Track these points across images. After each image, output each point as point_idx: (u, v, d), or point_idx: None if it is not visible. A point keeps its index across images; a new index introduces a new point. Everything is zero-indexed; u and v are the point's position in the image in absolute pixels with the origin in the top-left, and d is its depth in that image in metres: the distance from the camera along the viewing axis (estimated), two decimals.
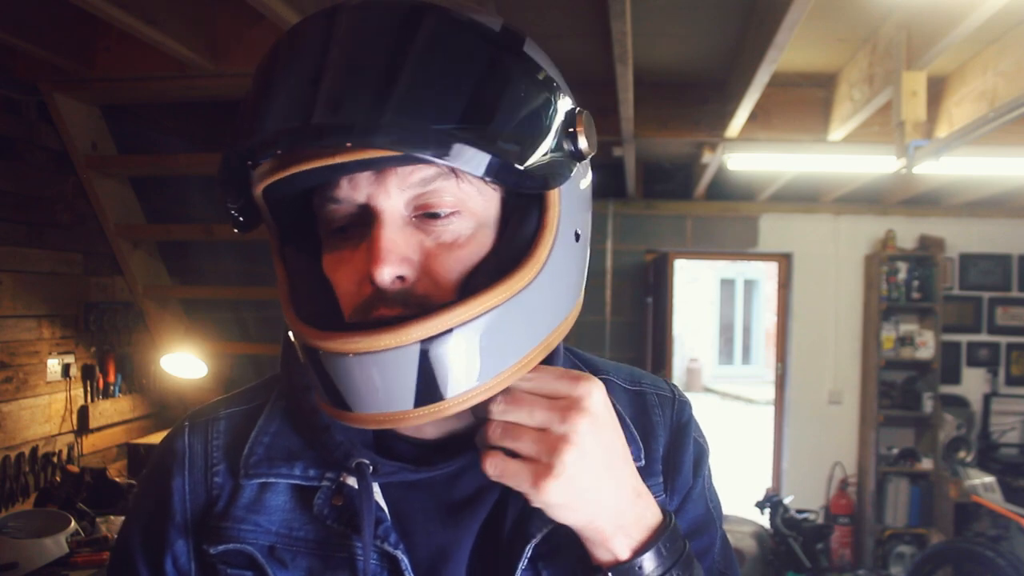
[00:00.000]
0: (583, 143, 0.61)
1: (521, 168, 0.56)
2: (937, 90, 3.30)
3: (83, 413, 2.98)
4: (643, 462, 0.71)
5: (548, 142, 0.58)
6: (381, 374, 0.55)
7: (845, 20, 2.91)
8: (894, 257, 5.37)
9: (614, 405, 0.69)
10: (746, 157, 3.90)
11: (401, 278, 0.57)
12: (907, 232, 5.50)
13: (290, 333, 0.64)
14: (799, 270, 5.66)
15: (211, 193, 3.74)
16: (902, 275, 5.34)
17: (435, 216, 0.59)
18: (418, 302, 0.57)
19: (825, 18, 2.81)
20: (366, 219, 0.59)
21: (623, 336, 5.68)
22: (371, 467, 0.63)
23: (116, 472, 3.10)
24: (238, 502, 0.66)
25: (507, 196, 0.62)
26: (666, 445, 0.75)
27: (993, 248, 5.55)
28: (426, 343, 0.54)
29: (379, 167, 0.57)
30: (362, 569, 0.62)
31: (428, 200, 0.59)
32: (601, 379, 0.72)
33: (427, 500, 0.66)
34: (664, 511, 0.64)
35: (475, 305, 0.55)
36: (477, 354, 0.56)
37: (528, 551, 0.64)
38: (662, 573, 0.61)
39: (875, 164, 3.87)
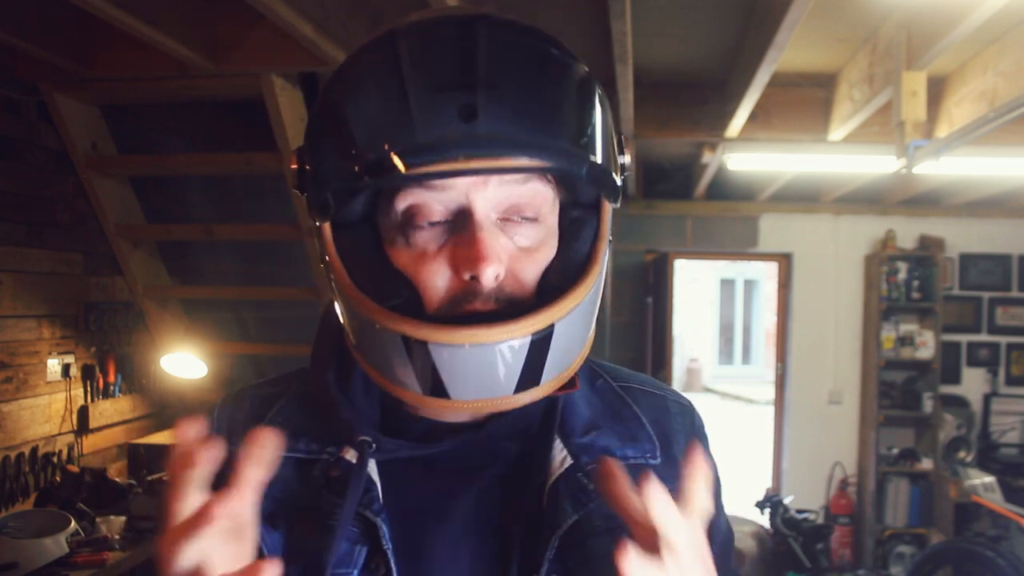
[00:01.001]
0: (628, 160, 0.70)
1: (617, 181, 0.65)
2: (937, 90, 3.30)
3: (83, 413, 2.98)
4: (659, 460, 0.73)
5: (616, 156, 0.67)
6: (493, 363, 0.60)
7: (845, 20, 2.91)
8: (894, 257, 5.37)
9: (631, 406, 0.76)
10: (746, 157, 3.90)
11: (497, 276, 0.62)
12: (907, 232, 5.50)
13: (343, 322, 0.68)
14: (799, 270, 5.66)
15: (211, 193, 3.75)
16: (902, 275, 5.35)
17: (518, 220, 0.64)
18: (507, 299, 0.63)
19: (825, 18, 2.81)
20: (458, 218, 0.63)
21: (623, 336, 5.68)
22: (373, 445, 0.67)
23: (116, 472, 3.11)
24: None
25: (563, 209, 0.69)
26: (685, 453, 0.76)
27: (993, 248, 5.55)
28: (536, 335, 0.61)
29: (492, 173, 0.62)
30: (337, 535, 0.64)
31: (517, 203, 0.64)
32: (619, 386, 0.79)
33: (425, 474, 0.70)
34: None
35: (568, 303, 0.63)
36: (563, 344, 0.64)
37: (555, 541, 0.65)
38: None
39: (875, 164, 3.87)
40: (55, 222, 2.90)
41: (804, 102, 3.72)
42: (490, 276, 0.61)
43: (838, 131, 3.55)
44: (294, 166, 0.67)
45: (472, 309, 0.62)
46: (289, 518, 0.68)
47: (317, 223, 0.66)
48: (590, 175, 0.62)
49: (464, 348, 0.59)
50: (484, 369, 0.60)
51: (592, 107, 0.64)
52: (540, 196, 0.65)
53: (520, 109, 0.59)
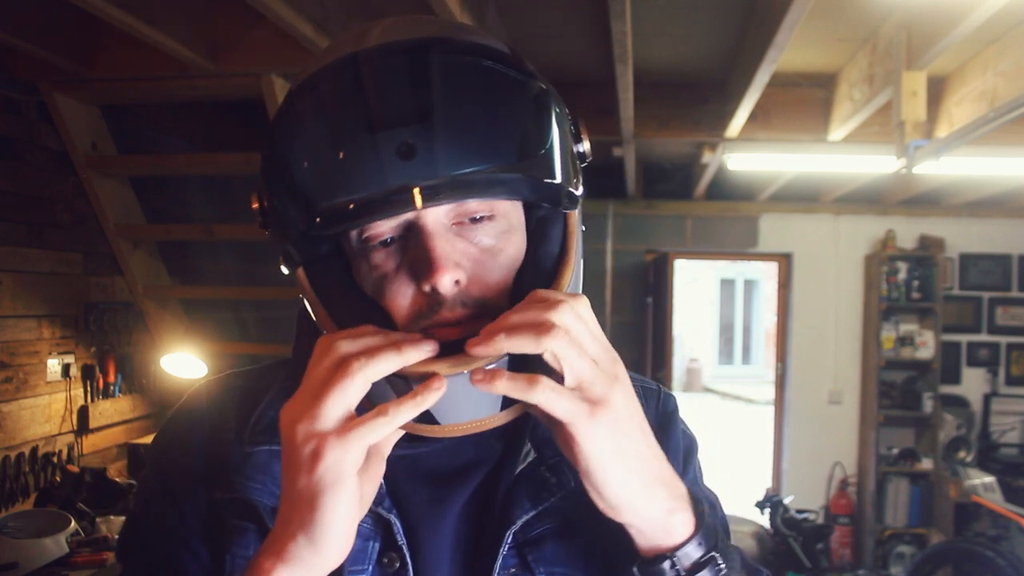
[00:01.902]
0: (586, 147, 0.68)
1: (575, 193, 0.64)
2: (937, 90, 3.30)
3: (83, 413, 2.98)
4: None
5: (572, 157, 0.65)
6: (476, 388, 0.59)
7: (845, 20, 2.91)
8: (894, 257, 5.37)
9: None
10: (746, 157, 3.90)
11: (457, 282, 0.60)
12: (907, 232, 5.50)
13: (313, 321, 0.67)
14: (799, 270, 5.66)
15: (211, 193, 3.75)
16: (902, 275, 5.35)
17: (472, 221, 0.62)
18: (475, 303, 0.61)
19: (825, 18, 2.81)
20: (410, 232, 0.61)
21: (623, 336, 5.68)
22: None
23: (116, 472, 3.11)
24: (250, 462, 0.70)
25: (529, 208, 0.67)
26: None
27: (993, 248, 5.55)
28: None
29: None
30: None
31: (470, 207, 0.62)
32: None
33: (416, 477, 0.69)
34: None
35: None
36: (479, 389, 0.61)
37: (508, 537, 0.66)
38: (704, 555, 0.61)
39: (875, 164, 3.87)
40: (55, 222, 2.90)
41: (804, 102, 3.72)
42: (447, 284, 0.59)
43: (838, 131, 3.55)
44: (255, 205, 0.66)
45: (441, 319, 0.60)
46: None
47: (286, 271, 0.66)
48: (538, 195, 0.61)
49: (448, 379, 0.57)
50: (467, 394, 0.58)
51: (537, 112, 0.62)
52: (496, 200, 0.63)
53: (457, 140, 0.57)
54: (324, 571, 0.55)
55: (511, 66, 0.63)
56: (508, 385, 0.55)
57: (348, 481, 0.53)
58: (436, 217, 0.60)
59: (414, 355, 0.55)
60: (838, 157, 3.80)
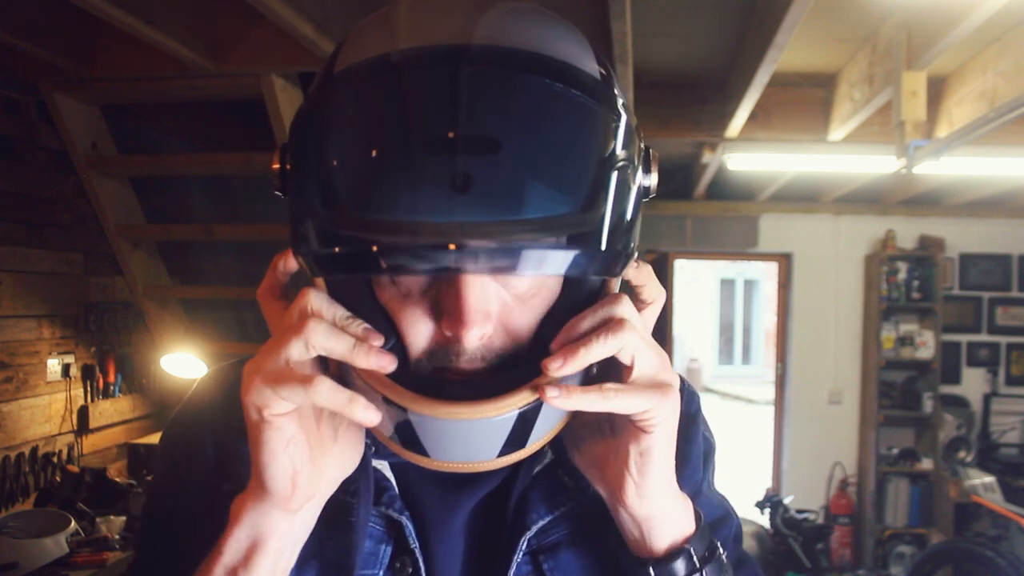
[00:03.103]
0: (654, 181, 0.61)
1: (631, 259, 0.59)
2: (937, 90, 3.30)
3: (83, 413, 2.98)
4: None
5: (638, 209, 0.59)
6: (476, 434, 0.56)
7: (845, 20, 2.90)
8: (894, 257, 5.37)
9: None
10: (746, 157, 3.89)
11: (483, 336, 0.56)
12: (907, 232, 5.50)
13: None
14: (799, 270, 5.65)
15: (211, 193, 3.75)
16: (902, 275, 5.35)
17: None
18: (494, 356, 0.57)
19: (825, 18, 2.81)
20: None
21: None
22: (372, 447, 0.65)
23: (116, 472, 3.10)
24: None
25: None
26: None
27: (993, 248, 5.55)
28: (523, 408, 0.56)
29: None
30: (359, 534, 0.64)
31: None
32: None
33: (428, 480, 0.68)
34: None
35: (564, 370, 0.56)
36: (554, 411, 0.58)
37: (523, 543, 0.64)
38: (709, 545, 0.63)
39: (875, 164, 3.87)
40: (55, 222, 2.89)
41: (804, 102, 3.72)
42: (473, 339, 0.55)
43: (838, 131, 3.55)
44: (276, 166, 0.58)
45: (454, 368, 0.56)
46: None
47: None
48: (598, 270, 0.54)
49: (445, 421, 0.55)
50: (466, 438, 0.57)
51: (618, 166, 0.54)
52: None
53: (522, 184, 0.49)
54: (281, 514, 0.57)
55: (603, 100, 0.54)
56: (583, 399, 0.54)
57: (275, 425, 0.54)
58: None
59: (363, 360, 0.54)
60: (838, 157, 3.80)
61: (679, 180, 5.59)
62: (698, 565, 0.61)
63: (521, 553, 0.64)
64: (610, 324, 0.55)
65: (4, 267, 2.64)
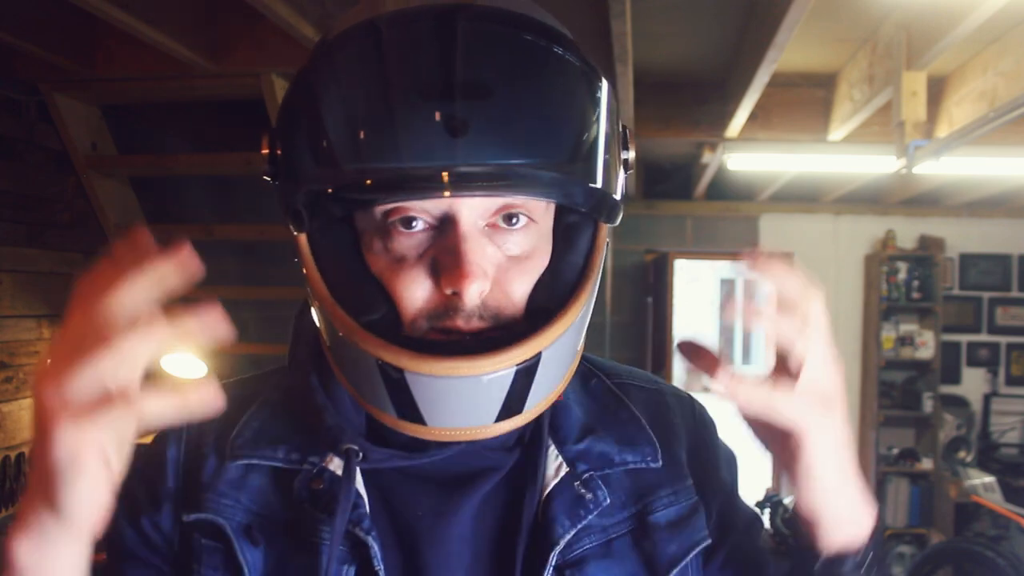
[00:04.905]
0: (632, 156, 0.63)
1: (617, 200, 0.60)
2: (937, 90, 3.29)
3: None
4: (660, 463, 0.70)
5: (619, 164, 0.62)
6: (473, 394, 0.56)
7: (845, 20, 2.90)
8: (894, 257, 5.37)
9: (628, 406, 0.71)
10: (746, 157, 3.90)
11: (481, 292, 0.57)
12: (907, 232, 5.49)
13: (324, 329, 0.62)
14: (799, 270, 5.65)
15: (211, 193, 3.75)
16: (902, 275, 5.34)
17: (509, 223, 0.58)
18: (491, 315, 0.57)
19: (825, 18, 2.81)
20: (441, 224, 0.57)
21: (623, 336, 5.68)
22: (360, 454, 0.63)
23: None
24: (223, 477, 0.66)
25: (558, 213, 0.63)
26: (688, 447, 0.74)
27: (993, 248, 5.55)
28: (520, 364, 0.55)
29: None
30: (327, 553, 0.60)
31: (507, 204, 0.58)
32: (615, 383, 0.73)
33: (417, 486, 0.65)
34: None
35: (558, 328, 0.57)
36: (551, 368, 0.58)
37: (553, 559, 0.62)
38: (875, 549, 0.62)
39: (875, 164, 3.87)
40: (55, 222, 2.89)
41: (804, 102, 3.72)
42: (473, 294, 0.55)
43: (838, 131, 3.54)
44: (265, 151, 0.60)
45: (453, 326, 0.56)
46: (268, 534, 0.63)
47: (293, 231, 0.61)
48: (590, 204, 0.58)
49: (439, 378, 0.54)
50: (463, 400, 0.56)
51: (594, 111, 0.57)
52: (533, 200, 0.58)
53: (512, 126, 0.52)
54: (76, 542, 0.49)
55: (578, 57, 0.58)
56: (749, 392, 0.54)
57: (88, 467, 0.45)
58: (472, 215, 0.56)
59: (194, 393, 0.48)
60: (838, 157, 3.80)
61: (679, 180, 5.59)
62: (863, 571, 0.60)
63: (550, 569, 0.62)
64: (800, 321, 0.55)
65: (4, 267, 2.64)
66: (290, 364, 0.71)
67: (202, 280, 0.46)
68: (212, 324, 0.49)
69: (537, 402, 0.59)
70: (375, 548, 0.61)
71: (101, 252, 0.48)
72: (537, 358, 0.56)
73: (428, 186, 0.52)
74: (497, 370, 0.55)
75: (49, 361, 0.46)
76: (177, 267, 0.46)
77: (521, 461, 0.66)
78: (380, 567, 0.61)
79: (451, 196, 0.53)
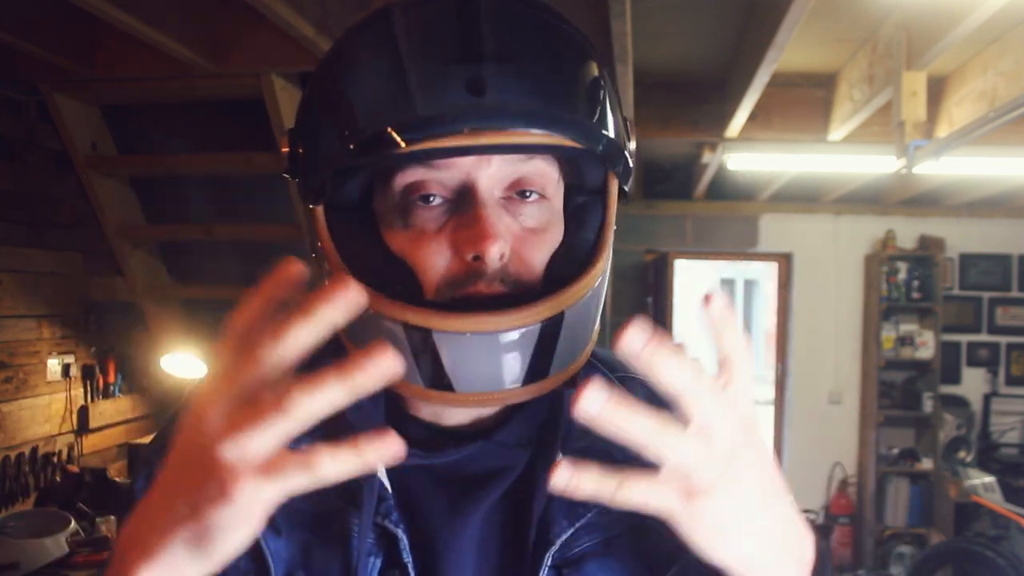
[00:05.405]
0: (634, 146, 0.68)
1: (628, 154, 0.64)
2: (937, 90, 3.29)
3: (83, 413, 2.98)
4: None
5: (627, 135, 0.66)
6: (500, 354, 0.57)
7: (845, 20, 2.90)
8: (894, 257, 5.37)
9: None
10: (746, 157, 3.90)
11: (502, 256, 0.58)
12: (907, 232, 5.49)
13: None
14: (799, 270, 5.65)
15: (211, 193, 3.75)
16: (902, 275, 5.34)
17: (523, 197, 0.61)
18: (513, 280, 0.59)
19: (825, 18, 2.81)
20: (460, 196, 0.59)
21: None
22: None
23: (116, 472, 3.10)
24: None
25: (567, 194, 0.66)
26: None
27: (993, 248, 5.55)
28: (546, 322, 0.57)
29: (500, 152, 0.59)
30: (356, 546, 0.60)
31: (523, 178, 0.61)
32: (618, 377, 0.71)
33: (434, 485, 0.65)
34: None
35: (579, 289, 0.59)
36: (574, 333, 0.60)
37: (548, 559, 0.62)
38: None
39: (875, 164, 3.87)
40: (55, 222, 2.90)
41: (804, 102, 3.72)
42: (495, 254, 0.57)
43: (838, 131, 3.55)
44: (285, 149, 0.64)
45: (476, 291, 0.58)
46: (290, 524, 0.63)
47: (310, 206, 0.62)
48: (606, 151, 0.60)
49: (467, 337, 0.56)
50: (491, 359, 0.57)
51: (603, 85, 0.62)
52: (546, 175, 0.61)
53: (532, 81, 0.57)
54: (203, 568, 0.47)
55: (586, 40, 0.63)
56: (596, 483, 0.45)
57: (254, 522, 0.45)
58: (489, 184, 0.59)
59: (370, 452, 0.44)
60: (838, 157, 3.80)
61: (679, 180, 5.59)
62: None
63: (546, 569, 0.62)
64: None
65: (4, 267, 2.64)
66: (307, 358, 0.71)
67: (202, 280, 0.45)
68: (384, 370, 0.43)
69: (559, 369, 0.60)
70: (404, 540, 0.62)
71: (255, 282, 0.47)
72: (560, 317, 0.58)
73: (450, 129, 0.54)
74: (524, 325, 0.56)
75: (210, 405, 0.45)
76: (342, 305, 0.43)
77: (531, 462, 0.66)
78: (409, 559, 0.62)
79: (472, 137, 0.55)
